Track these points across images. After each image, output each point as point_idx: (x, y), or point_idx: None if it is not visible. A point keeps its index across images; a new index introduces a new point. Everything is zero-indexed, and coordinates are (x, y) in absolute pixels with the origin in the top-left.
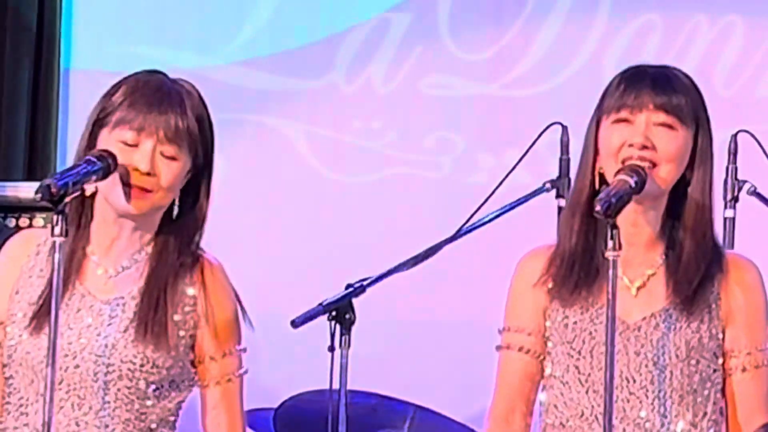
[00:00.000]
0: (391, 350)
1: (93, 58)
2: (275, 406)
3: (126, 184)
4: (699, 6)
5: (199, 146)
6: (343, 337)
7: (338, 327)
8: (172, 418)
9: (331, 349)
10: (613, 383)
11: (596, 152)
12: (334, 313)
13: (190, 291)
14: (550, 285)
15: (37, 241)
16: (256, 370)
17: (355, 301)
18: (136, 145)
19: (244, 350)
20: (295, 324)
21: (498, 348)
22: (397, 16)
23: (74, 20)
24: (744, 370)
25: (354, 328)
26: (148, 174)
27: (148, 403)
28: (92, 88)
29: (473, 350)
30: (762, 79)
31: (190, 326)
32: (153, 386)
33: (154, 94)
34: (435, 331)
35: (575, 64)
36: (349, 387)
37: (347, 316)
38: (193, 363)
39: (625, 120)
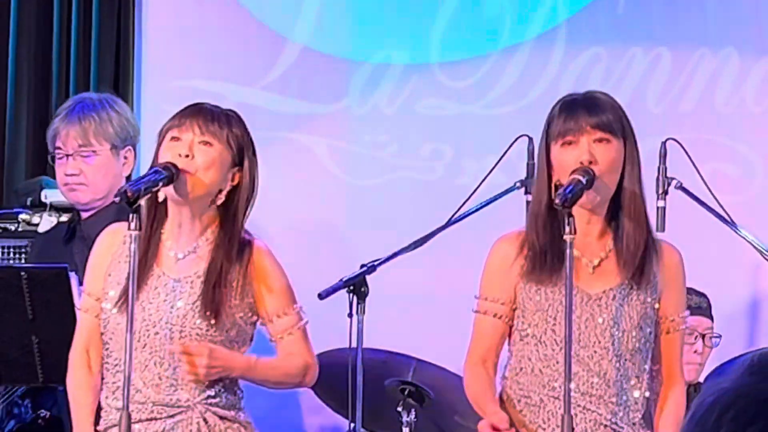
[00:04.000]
0: (397, 316)
1: (159, 89)
2: None
3: (174, 176)
4: (634, 41)
5: (233, 141)
6: (359, 306)
7: (355, 298)
8: None
9: (350, 315)
10: (571, 337)
11: (549, 167)
12: (351, 287)
13: (243, 270)
14: (524, 267)
15: (123, 233)
16: None
17: (368, 277)
18: (179, 139)
19: (300, 308)
20: (321, 296)
21: (474, 311)
22: (397, 53)
23: (144, 59)
24: (668, 332)
25: (368, 299)
26: (187, 156)
27: None
28: (159, 114)
29: (462, 315)
30: (684, 97)
31: (246, 296)
32: (216, 345)
33: (192, 108)
34: (432, 301)
35: (538, 88)
36: (364, 345)
37: (362, 289)
38: (254, 324)
39: (571, 143)
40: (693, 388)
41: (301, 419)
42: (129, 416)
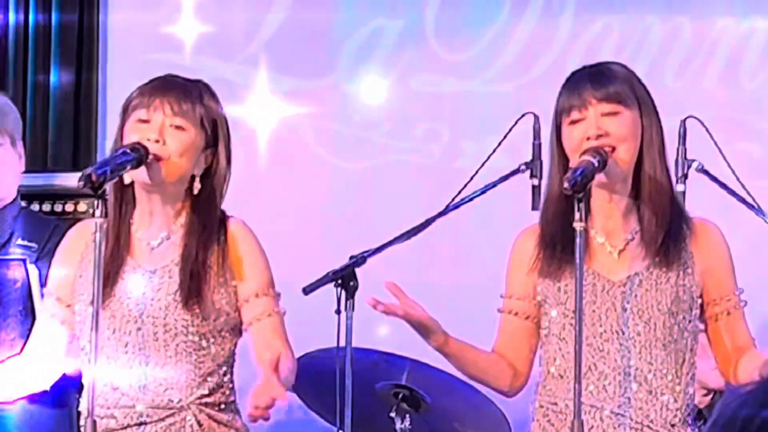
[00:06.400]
0: None
1: (126, 63)
2: None
3: (144, 158)
4: (651, 8)
5: (207, 121)
6: (348, 302)
7: (344, 293)
8: (229, 361)
9: (338, 312)
10: (582, 331)
11: (561, 151)
12: (339, 281)
13: (221, 251)
14: (540, 265)
15: (91, 230)
16: None
17: (357, 270)
18: (148, 121)
19: (279, 294)
20: (306, 291)
21: (499, 310)
22: (390, 23)
23: (109, 31)
24: (728, 313)
25: (357, 294)
26: (157, 141)
27: (203, 352)
28: (127, 91)
29: (460, 310)
30: (706, 72)
31: (227, 279)
32: (205, 337)
33: (162, 82)
34: (427, 295)
35: (544, 62)
36: (353, 345)
37: (351, 283)
38: (237, 310)
39: (578, 120)
40: (719, 395)
41: (290, 427)
42: (94, 423)
